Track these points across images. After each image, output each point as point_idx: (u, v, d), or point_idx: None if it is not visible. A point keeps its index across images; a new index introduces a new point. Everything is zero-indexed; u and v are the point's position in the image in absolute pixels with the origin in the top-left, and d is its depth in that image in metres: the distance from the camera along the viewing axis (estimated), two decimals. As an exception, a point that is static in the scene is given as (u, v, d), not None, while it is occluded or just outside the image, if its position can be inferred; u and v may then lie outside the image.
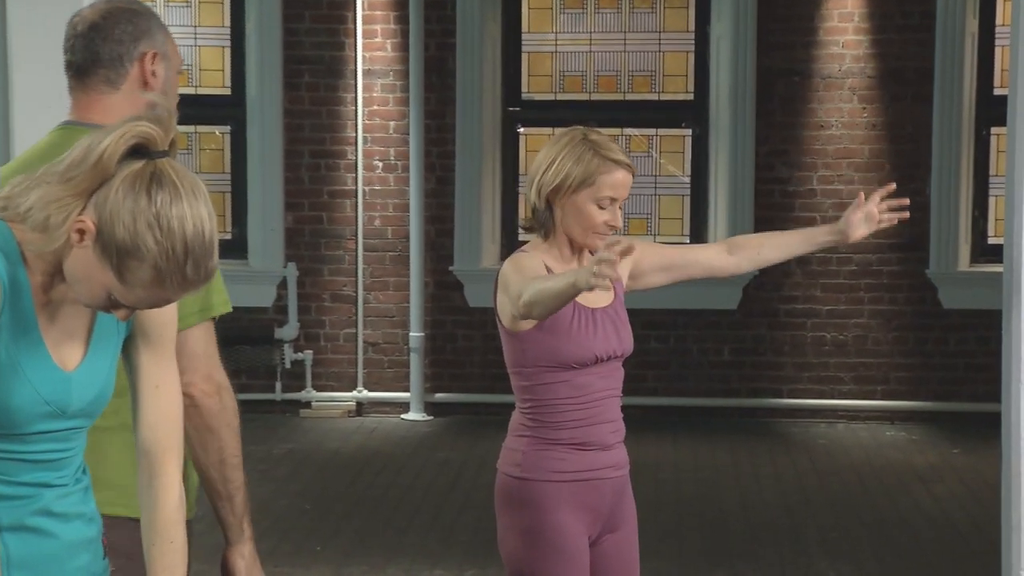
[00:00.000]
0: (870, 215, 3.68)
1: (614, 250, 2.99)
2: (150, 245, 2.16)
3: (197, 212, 2.18)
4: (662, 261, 3.71)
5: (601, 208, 3.46)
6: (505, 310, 3.46)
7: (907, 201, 3.65)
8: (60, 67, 2.98)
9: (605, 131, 3.64)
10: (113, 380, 2.42)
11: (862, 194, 3.70)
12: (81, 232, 2.19)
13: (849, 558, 6.47)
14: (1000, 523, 4.13)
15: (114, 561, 2.66)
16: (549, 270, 3.46)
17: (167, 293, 2.21)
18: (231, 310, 3.03)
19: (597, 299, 3.54)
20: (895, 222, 3.69)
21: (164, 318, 2.47)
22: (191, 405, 2.85)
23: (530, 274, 3.38)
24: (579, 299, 3.48)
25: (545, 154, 3.51)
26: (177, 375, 2.53)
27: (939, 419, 9.38)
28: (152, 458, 2.50)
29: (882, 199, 3.72)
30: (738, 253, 3.75)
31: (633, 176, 3.52)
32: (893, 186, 3.69)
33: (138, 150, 2.20)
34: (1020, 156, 3.94)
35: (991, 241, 9.44)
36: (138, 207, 2.16)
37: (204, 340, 2.92)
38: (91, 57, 2.95)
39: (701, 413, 9.33)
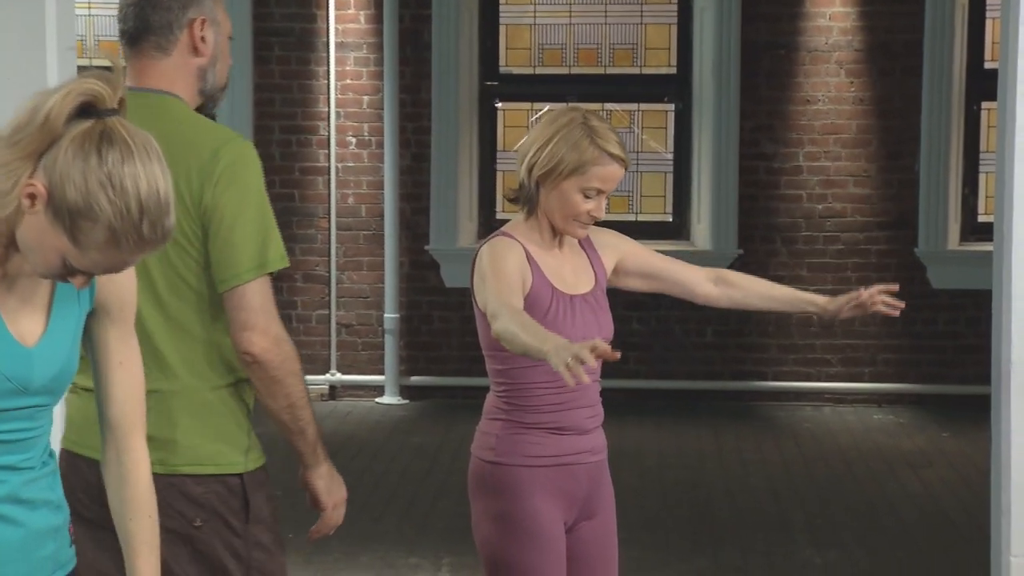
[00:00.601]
0: (862, 304, 3.68)
1: (598, 352, 2.97)
2: (103, 205, 2.14)
3: (150, 170, 2.16)
4: (647, 267, 3.71)
5: (587, 197, 3.46)
6: (481, 293, 3.46)
7: (903, 305, 3.66)
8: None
9: (585, 107, 3.62)
10: (76, 356, 2.42)
11: (863, 290, 3.68)
12: (32, 197, 2.17)
13: (836, 544, 6.49)
14: (990, 508, 4.16)
15: (201, 516, 3.05)
16: (530, 259, 3.45)
17: (123, 255, 2.19)
18: (288, 265, 3.13)
19: (577, 285, 3.54)
20: (891, 314, 3.69)
21: (125, 295, 2.47)
22: (254, 362, 3.05)
23: (507, 279, 3.35)
24: (558, 285, 3.48)
25: (541, 132, 3.49)
26: (138, 350, 2.53)
27: (928, 402, 9.41)
28: (120, 433, 2.51)
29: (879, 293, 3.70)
30: (723, 288, 3.75)
31: (626, 170, 3.51)
32: (896, 287, 3.69)
33: (86, 109, 2.18)
34: (1011, 132, 3.95)
35: (981, 219, 9.47)
36: (88, 167, 2.14)
37: (261, 294, 3.04)
38: (142, 25, 3.12)
39: (684, 396, 9.34)
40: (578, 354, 2.91)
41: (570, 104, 3.62)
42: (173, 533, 3.03)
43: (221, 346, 3.09)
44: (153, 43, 3.13)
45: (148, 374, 2.90)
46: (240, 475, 3.13)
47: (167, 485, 2.98)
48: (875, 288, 3.68)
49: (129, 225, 2.15)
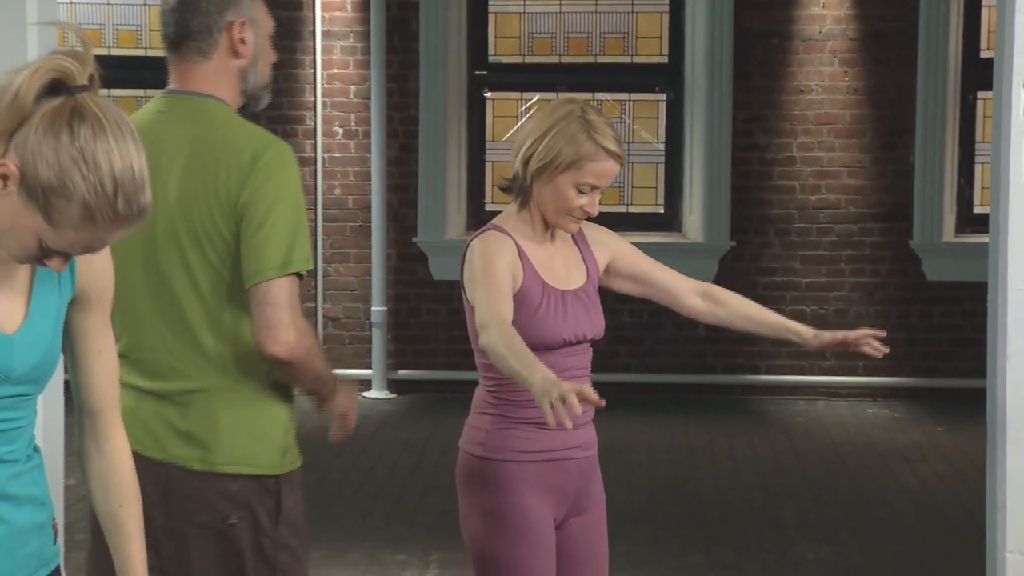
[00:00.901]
0: (846, 344, 3.69)
1: (583, 397, 2.97)
2: (77, 181, 2.13)
3: (123, 145, 2.16)
4: (637, 270, 3.72)
5: (581, 192, 3.46)
6: (471, 288, 3.45)
7: (887, 349, 3.67)
8: None
9: (576, 96, 3.63)
10: (58, 344, 2.41)
11: (850, 334, 3.68)
12: (3, 177, 2.16)
13: (829, 541, 6.50)
14: (985, 503, 4.16)
15: (237, 513, 3.16)
16: (521, 254, 3.45)
17: (99, 232, 2.18)
18: (311, 267, 3.24)
19: (568, 280, 3.54)
20: (875, 355, 3.70)
21: (105, 282, 2.48)
22: (279, 363, 3.13)
23: (497, 284, 3.34)
24: (549, 280, 3.48)
25: (537, 124, 3.49)
26: (113, 337, 2.55)
27: (923, 396, 9.43)
28: (102, 420, 2.54)
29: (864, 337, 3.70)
30: (710, 304, 3.76)
31: (622, 166, 3.51)
32: (883, 333, 3.69)
33: (56, 87, 2.17)
34: (1007, 122, 3.96)
35: (977, 210, 9.49)
36: (60, 144, 2.14)
37: (285, 292, 3.11)
38: (183, 30, 3.24)
39: (676, 390, 9.35)
40: (565, 395, 2.93)
41: (567, 96, 3.62)
42: (206, 528, 3.18)
43: None
44: (194, 48, 3.25)
45: (191, 372, 3.18)
46: (276, 476, 3.22)
47: (206, 481, 3.16)
48: (863, 331, 3.68)
49: (104, 201, 2.15)
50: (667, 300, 3.73)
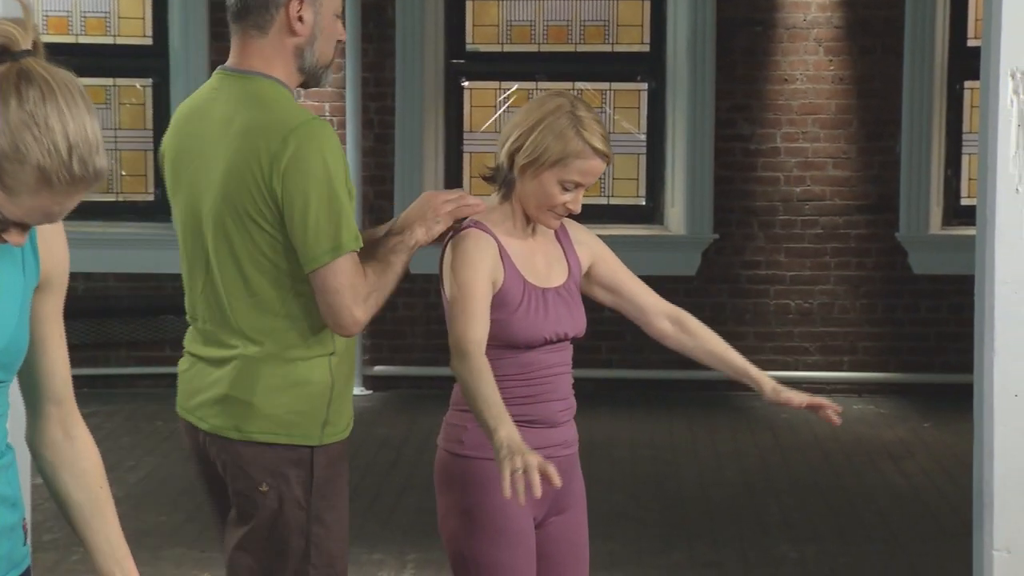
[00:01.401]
0: (804, 407, 3.71)
1: (544, 474, 3.02)
2: (29, 143, 2.13)
3: (74, 107, 2.17)
4: (614, 281, 3.72)
5: (565, 189, 3.46)
6: (450, 285, 3.46)
7: (839, 423, 3.68)
8: None
9: (555, 86, 3.64)
10: (26, 331, 2.40)
11: (812, 400, 3.70)
12: None
13: (813, 539, 6.52)
14: (972, 501, 4.18)
15: (268, 481, 3.29)
16: (502, 253, 3.45)
17: (56, 196, 2.18)
18: (362, 246, 3.29)
19: (550, 277, 3.54)
20: (833, 422, 3.73)
21: (64, 266, 2.50)
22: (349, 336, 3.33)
23: (474, 300, 3.35)
24: (530, 278, 3.49)
25: (525, 116, 3.48)
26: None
27: (909, 391, 9.46)
28: (67, 406, 2.56)
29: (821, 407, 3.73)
30: (679, 330, 3.75)
31: (609, 164, 3.52)
32: (840, 408, 3.73)
33: None
34: (994, 112, 3.97)
35: (964, 202, 9.52)
36: (8, 109, 2.14)
37: (341, 275, 3.23)
38: (242, 5, 3.38)
39: (658, 386, 9.36)
40: (528, 469, 3.00)
41: (557, 90, 3.62)
42: (240, 495, 3.35)
43: (308, 319, 3.31)
44: (252, 22, 3.37)
45: (234, 341, 3.34)
46: (311, 447, 3.33)
47: (240, 448, 3.32)
48: (825, 402, 3.67)
49: (59, 163, 2.15)
50: (637, 317, 3.74)
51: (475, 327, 3.35)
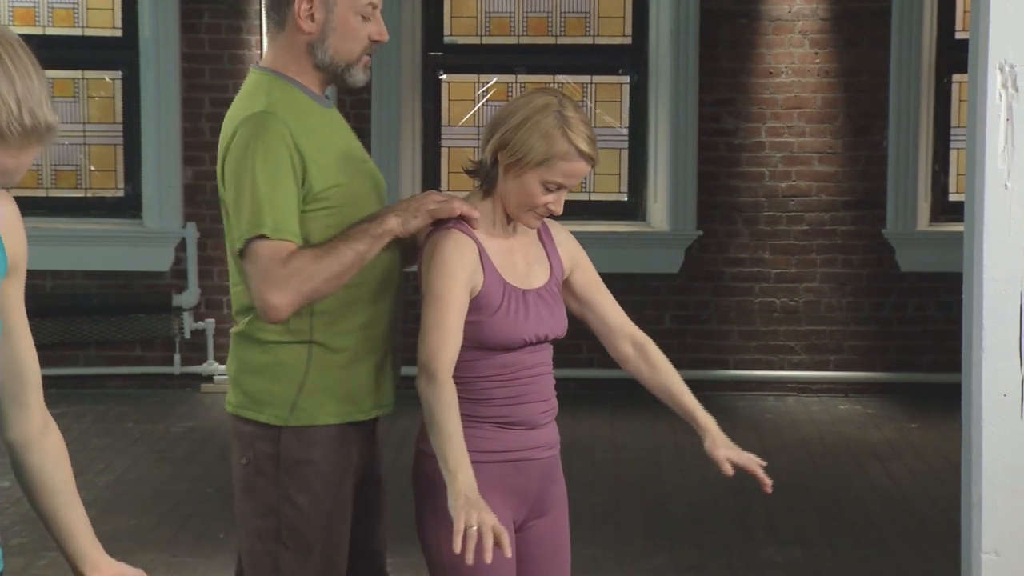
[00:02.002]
0: (732, 462, 3.74)
1: (497, 539, 3.10)
2: None
3: (18, 61, 2.22)
4: (587, 293, 3.73)
5: (547, 190, 3.47)
6: (426, 285, 3.47)
7: (770, 490, 3.76)
8: None
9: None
10: None
11: (740, 459, 3.70)
12: None
13: (799, 542, 6.54)
14: (960, 502, 4.20)
15: (247, 455, 3.52)
16: (482, 255, 3.45)
17: (11, 150, 2.24)
18: (286, 236, 3.42)
19: (530, 277, 3.55)
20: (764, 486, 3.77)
21: (25, 251, 2.57)
22: (276, 321, 3.50)
23: (449, 315, 3.38)
24: (511, 280, 3.49)
25: (511, 112, 3.47)
26: None
27: (897, 391, 9.48)
28: (40, 394, 2.66)
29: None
30: (638, 358, 3.79)
31: (594, 167, 3.52)
32: (770, 481, 3.73)
33: None
34: (982, 106, 3.98)
35: (952, 198, 9.55)
36: None
37: (252, 262, 3.44)
38: (266, 2, 3.62)
39: (641, 387, 9.32)
40: (483, 529, 3.07)
41: (546, 88, 3.62)
42: (235, 467, 3.60)
43: None
44: (272, 19, 3.60)
45: (234, 318, 3.63)
46: (279, 428, 3.52)
47: (231, 420, 3.61)
48: (755, 469, 3.72)
49: (7, 115, 2.20)
50: (602, 334, 3.76)
51: (447, 348, 3.38)
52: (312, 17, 3.53)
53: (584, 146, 3.43)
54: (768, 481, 3.72)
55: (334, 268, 3.42)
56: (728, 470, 3.69)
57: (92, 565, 2.71)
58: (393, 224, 3.47)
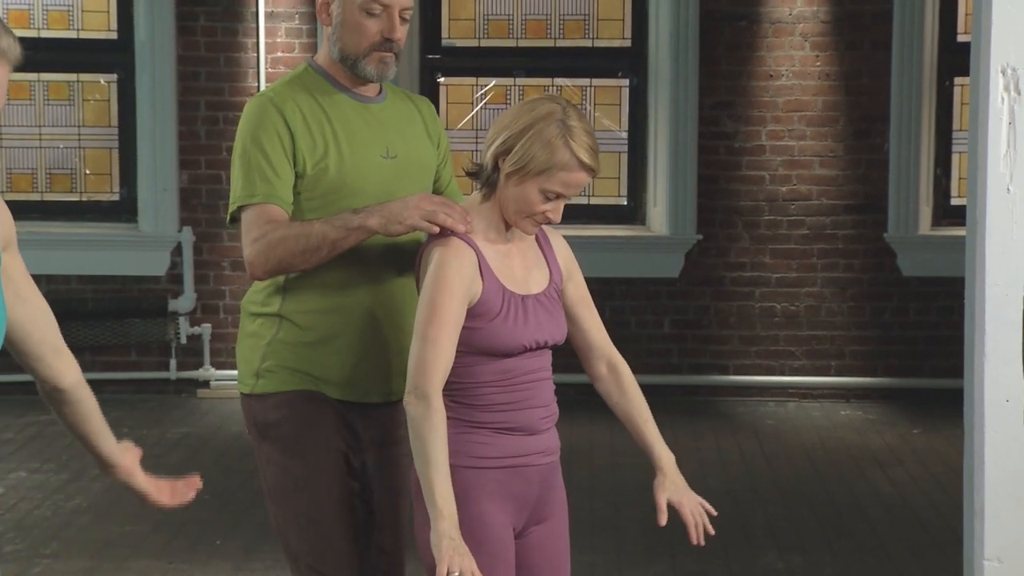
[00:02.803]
0: (661, 520, 3.74)
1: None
2: None
3: None
4: (574, 308, 3.73)
5: (546, 199, 3.47)
6: (423, 295, 3.47)
7: (701, 544, 3.74)
8: None
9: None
10: (1, 301, 2.46)
11: (683, 512, 3.70)
12: None
13: (800, 549, 6.54)
14: (963, 509, 4.19)
15: (246, 425, 3.86)
16: (481, 262, 3.46)
17: None
18: (253, 200, 3.70)
19: (528, 283, 3.55)
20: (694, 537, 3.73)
21: (11, 222, 2.75)
22: (263, 278, 3.78)
23: (444, 332, 3.38)
24: (510, 286, 3.50)
25: (515, 119, 3.47)
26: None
27: (898, 396, 9.48)
28: (69, 356, 3.04)
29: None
30: (610, 380, 3.76)
31: (594, 177, 3.53)
32: (702, 533, 3.72)
33: None
34: (984, 109, 3.98)
35: (954, 202, 9.55)
36: None
37: (243, 227, 3.74)
38: None
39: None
40: (463, 573, 3.22)
41: (551, 95, 3.61)
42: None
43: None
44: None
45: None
46: (248, 396, 3.82)
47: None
48: (687, 520, 3.69)
49: None
50: (581, 349, 3.76)
51: (440, 366, 3.39)
52: (329, 11, 3.79)
53: (585, 157, 3.43)
54: (697, 538, 3.72)
55: (300, 244, 3.61)
56: (661, 521, 3.67)
57: (120, 454, 3.33)
58: (373, 223, 3.59)
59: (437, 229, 3.50)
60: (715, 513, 3.74)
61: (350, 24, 3.75)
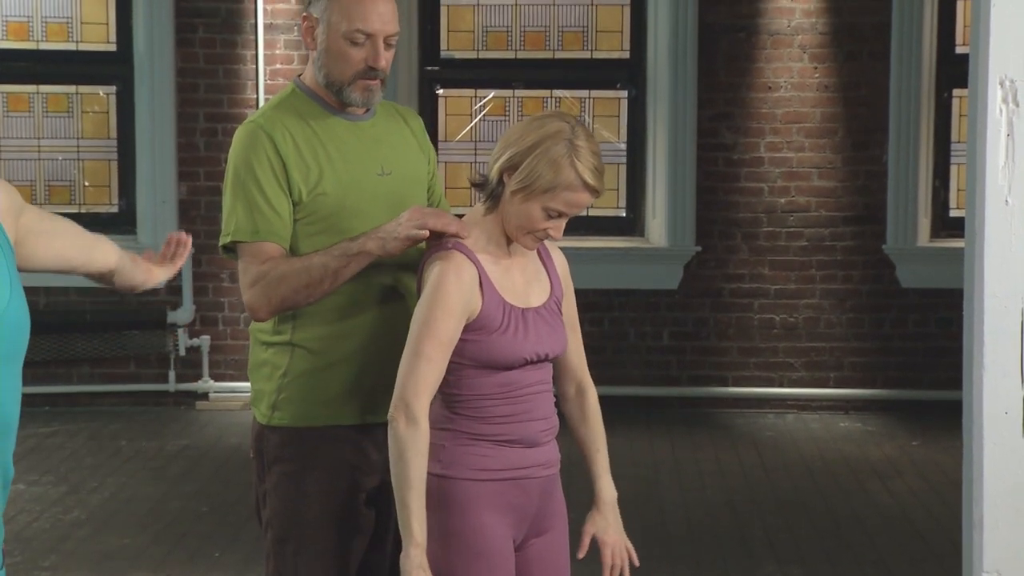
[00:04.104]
0: (580, 553, 3.74)
1: None
2: None
3: None
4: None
5: (549, 216, 3.47)
6: (419, 308, 3.48)
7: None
8: None
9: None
10: (22, 302, 2.43)
11: (603, 557, 3.70)
12: None
13: (799, 561, 6.53)
14: (962, 521, 4.19)
15: (253, 448, 3.81)
16: (482, 276, 3.46)
17: None
18: (243, 238, 3.67)
19: (529, 296, 3.55)
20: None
21: (14, 198, 2.82)
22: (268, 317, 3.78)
23: (437, 350, 3.39)
24: (510, 299, 3.50)
25: (523, 134, 3.46)
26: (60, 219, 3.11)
27: (897, 408, 9.48)
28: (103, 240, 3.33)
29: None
30: (575, 403, 3.77)
31: (597, 197, 3.53)
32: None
33: None
34: (982, 121, 3.98)
35: (953, 214, 9.55)
36: None
37: (239, 259, 3.73)
38: None
39: (638, 403, 9.37)
40: None
41: (560, 112, 3.61)
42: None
43: None
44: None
45: None
46: (263, 426, 3.77)
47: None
48: (605, 561, 3.69)
49: None
50: (555, 368, 3.75)
51: (431, 385, 3.41)
52: (313, 35, 3.74)
53: (590, 178, 3.43)
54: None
55: (302, 279, 3.59)
56: (580, 553, 3.67)
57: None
58: (372, 246, 3.58)
59: (427, 234, 3.51)
60: (637, 564, 3.75)
61: (334, 52, 3.72)
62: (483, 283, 3.47)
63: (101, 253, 3.27)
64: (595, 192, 3.46)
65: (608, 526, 3.74)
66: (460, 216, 3.62)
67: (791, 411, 9.52)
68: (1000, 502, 4.06)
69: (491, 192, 3.52)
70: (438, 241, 3.52)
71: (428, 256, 3.52)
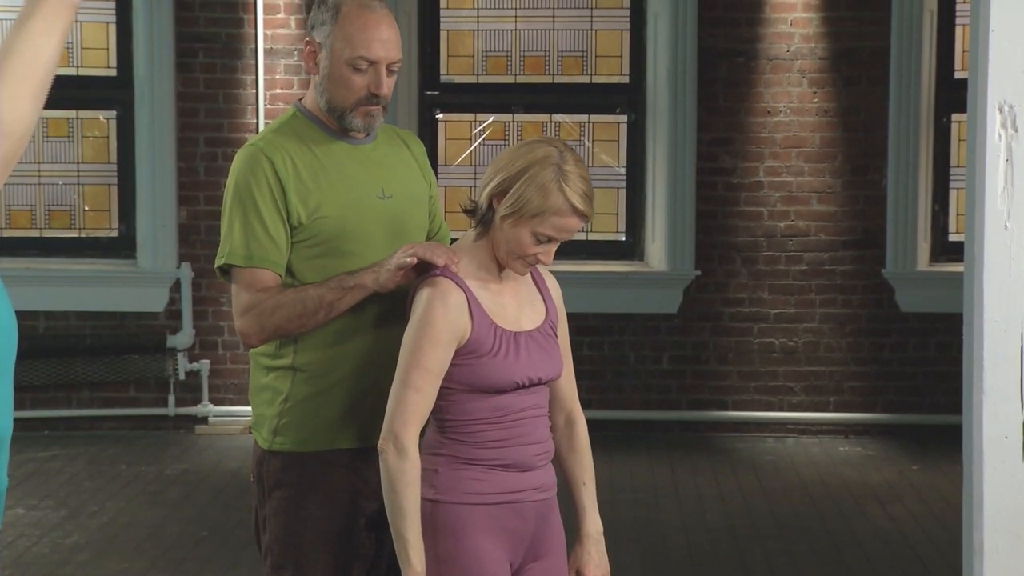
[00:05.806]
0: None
1: None
2: None
3: None
4: None
5: (538, 241, 3.47)
6: (407, 337, 3.48)
7: None
8: None
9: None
10: (2, 306, 2.36)
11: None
12: None
13: (799, 585, 6.52)
14: (962, 546, 4.18)
15: (253, 472, 3.80)
16: (471, 302, 3.46)
17: None
18: (238, 262, 3.70)
19: (520, 319, 3.55)
20: None
21: None
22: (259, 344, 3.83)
23: (424, 377, 3.40)
24: (501, 323, 3.50)
25: (511, 160, 3.48)
26: None
27: (897, 433, 9.47)
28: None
29: None
30: (565, 432, 3.75)
31: (587, 222, 3.53)
32: None
33: None
34: (981, 145, 3.99)
35: (952, 238, 9.55)
36: None
37: (233, 284, 3.78)
38: None
39: (638, 427, 9.37)
40: None
41: (549, 138, 3.62)
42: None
43: None
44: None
45: None
46: (264, 450, 3.78)
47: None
48: None
49: None
50: (551, 398, 3.74)
51: (420, 415, 3.42)
52: (315, 60, 3.76)
53: (579, 203, 3.44)
54: None
55: (297, 309, 3.63)
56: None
57: None
58: (367, 280, 3.62)
59: (415, 260, 3.53)
60: None
61: (336, 78, 3.73)
62: (472, 307, 3.47)
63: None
64: (584, 217, 3.46)
65: (590, 560, 3.77)
66: (450, 244, 3.64)
67: (791, 435, 9.51)
68: (1000, 526, 4.05)
69: (481, 217, 3.52)
70: (429, 272, 3.53)
71: (418, 283, 3.53)
